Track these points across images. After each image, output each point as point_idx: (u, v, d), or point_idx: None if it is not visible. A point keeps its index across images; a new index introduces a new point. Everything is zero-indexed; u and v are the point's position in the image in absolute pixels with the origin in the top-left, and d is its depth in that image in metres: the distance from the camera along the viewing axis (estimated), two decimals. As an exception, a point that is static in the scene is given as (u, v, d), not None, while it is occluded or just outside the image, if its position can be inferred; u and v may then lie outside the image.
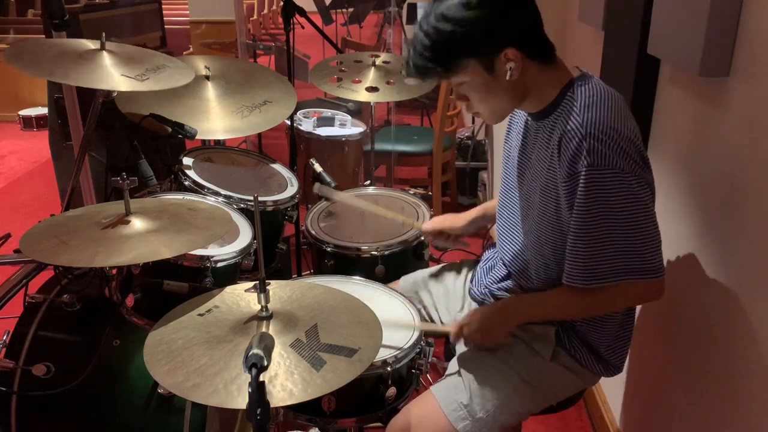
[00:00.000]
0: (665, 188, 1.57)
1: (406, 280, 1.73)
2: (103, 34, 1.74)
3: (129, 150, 1.93)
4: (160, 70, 1.74)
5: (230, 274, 1.62)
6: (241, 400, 0.95)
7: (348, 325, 1.17)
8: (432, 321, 1.66)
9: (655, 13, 1.52)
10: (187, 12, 7.30)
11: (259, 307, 1.14)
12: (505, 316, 1.37)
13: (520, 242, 1.41)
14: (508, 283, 1.46)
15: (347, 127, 2.95)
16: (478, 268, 1.60)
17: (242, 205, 1.80)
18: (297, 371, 1.02)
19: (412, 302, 1.57)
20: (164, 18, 4.85)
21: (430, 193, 3.51)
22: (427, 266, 1.90)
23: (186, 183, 1.81)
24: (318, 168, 2.19)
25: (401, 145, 3.52)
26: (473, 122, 4.35)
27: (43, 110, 5.35)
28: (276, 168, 2.13)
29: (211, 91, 2.11)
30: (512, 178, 1.42)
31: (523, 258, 1.40)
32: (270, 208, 1.89)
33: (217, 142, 2.20)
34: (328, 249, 1.86)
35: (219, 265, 1.56)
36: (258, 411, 0.87)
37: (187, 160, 1.92)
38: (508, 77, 1.20)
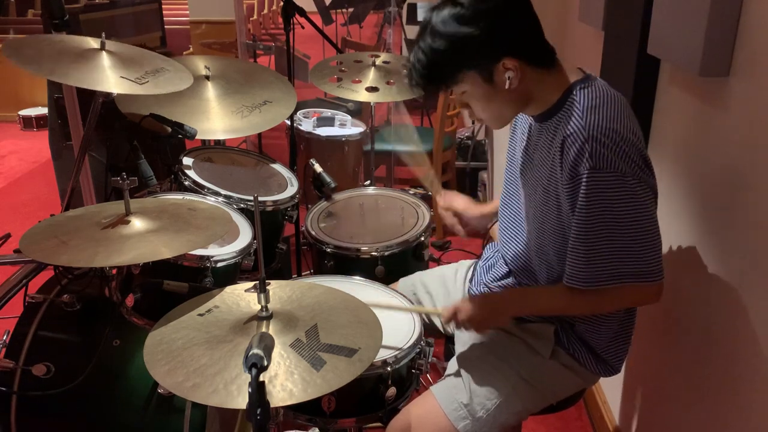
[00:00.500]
0: (665, 188, 1.57)
1: (405, 283, 1.73)
2: (103, 34, 1.74)
3: (129, 150, 1.93)
4: (159, 73, 1.74)
5: (230, 274, 1.62)
6: (241, 400, 0.95)
7: (348, 325, 1.17)
8: (431, 323, 1.66)
9: (655, 13, 1.52)
10: (187, 12, 7.30)
11: (259, 307, 1.14)
12: (502, 306, 1.37)
13: (523, 242, 1.41)
14: (509, 281, 1.46)
15: (347, 127, 2.95)
16: (477, 266, 1.60)
17: (242, 205, 1.80)
18: (297, 371, 1.02)
19: (410, 300, 1.57)
20: (164, 18, 4.85)
21: (430, 193, 3.50)
22: (426, 267, 1.90)
23: (186, 183, 1.81)
24: (318, 168, 2.19)
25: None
26: (473, 122, 4.35)
27: (43, 110, 5.35)
28: (276, 168, 2.13)
29: (211, 91, 2.11)
30: (515, 179, 1.42)
31: (527, 258, 1.40)
32: (270, 208, 1.89)
33: (217, 142, 2.20)
34: (328, 249, 1.86)
35: (219, 265, 1.56)
36: (258, 411, 0.87)
37: (187, 160, 1.92)
38: (507, 86, 1.19)
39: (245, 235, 1.70)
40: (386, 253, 1.84)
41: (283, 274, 2.19)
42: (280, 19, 2.94)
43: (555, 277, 1.34)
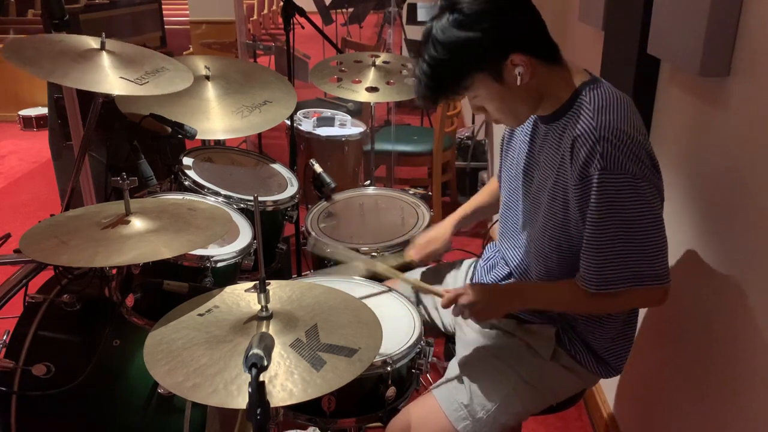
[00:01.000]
0: (665, 188, 1.57)
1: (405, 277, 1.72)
2: (103, 35, 1.74)
3: (129, 150, 1.93)
4: (159, 73, 1.74)
5: (230, 274, 1.62)
6: (241, 400, 0.95)
7: (348, 325, 1.17)
8: (432, 321, 1.66)
9: (655, 13, 1.52)
10: (187, 12, 7.30)
11: (259, 307, 1.14)
12: (508, 298, 1.36)
13: (523, 244, 1.41)
14: (510, 282, 1.46)
15: (347, 127, 2.95)
16: (479, 267, 1.60)
17: (242, 205, 1.80)
18: (297, 371, 1.02)
19: (411, 302, 1.57)
20: (164, 18, 4.86)
21: (430, 193, 3.50)
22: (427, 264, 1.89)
23: (186, 183, 1.81)
24: (318, 168, 2.19)
25: (401, 145, 3.52)
26: (473, 122, 4.35)
27: (43, 110, 5.35)
28: (276, 168, 2.13)
29: (211, 91, 2.11)
30: (517, 181, 1.41)
31: (528, 261, 1.40)
32: (270, 208, 1.89)
33: (217, 142, 2.20)
34: (328, 249, 1.86)
35: (219, 265, 1.56)
36: (258, 411, 0.87)
37: (187, 160, 1.92)
38: (519, 82, 1.18)
39: (245, 235, 1.70)
40: (386, 253, 1.84)
41: (283, 274, 2.19)
42: (280, 19, 2.94)
43: (555, 278, 1.34)
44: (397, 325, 1.47)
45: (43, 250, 1.23)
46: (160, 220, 1.36)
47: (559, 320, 1.39)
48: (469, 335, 1.50)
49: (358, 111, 3.50)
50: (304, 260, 2.37)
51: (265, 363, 0.90)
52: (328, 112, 3.04)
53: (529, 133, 1.37)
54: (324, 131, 2.89)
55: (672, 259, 1.54)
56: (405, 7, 5.36)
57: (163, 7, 4.81)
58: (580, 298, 1.27)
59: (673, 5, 1.41)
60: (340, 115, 3.00)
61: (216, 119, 2.04)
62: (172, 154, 2.02)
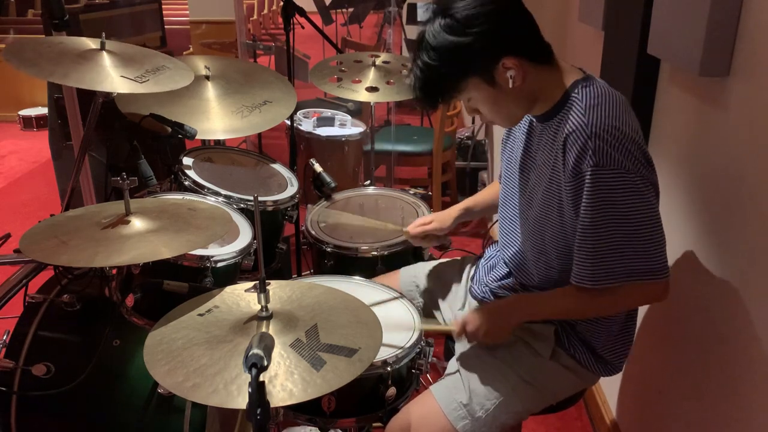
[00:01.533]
0: (665, 188, 1.57)
1: (406, 273, 1.73)
2: (103, 34, 1.74)
3: (129, 150, 1.93)
4: (159, 71, 1.74)
5: (230, 274, 1.62)
6: (241, 400, 0.95)
7: (348, 325, 1.17)
8: (433, 317, 1.66)
9: (655, 13, 1.52)
10: (187, 12, 7.30)
11: (259, 307, 1.14)
12: (509, 314, 1.37)
13: (521, 242, 1.41)
14: (509, 281, 1.46)
15: (347, 127, 2.95)
16: (479, 266, 1.60)
17: (242, 205, 1.80)
18: (297, 371, 1.02)
19: (412, 302, 1.57)
20: (164, 18, 4.85)
21: (430, 193, 3.51)
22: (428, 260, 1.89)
23: (186, 183, 1.81)
24: (318, 168, 2.19)
25: (401, 145, 3.52)
26: (473, 122, 4.35)
27: (43, 110, 5.35)
28: (276, 168, 2.13)
29: (211, 91, 2.11)
30: (514, 179, 1.42)
31: (524, 257, 1.40)
32: (270, 208, 1.89)
33: (217, 142, 2.20)
34: (328, 249, 1.86)
35: (219, 265, 1.56)
36: (258, 411, 0.87)
37: (187, 160, 1.92)
38: (511, 85, 1.19)
39: (245, 235, 1.70)
40: (386, 253, 1.84)
41: (283, 274, 2.19)
42: (280, 19, 2.94)
43: (553, 276, 1.34)
44: (397, 325, 1.47)
45: (43, 250, 1.23)
46: (160, 220, 1.36)
47: (559, 319, 1.39)
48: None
49: (358, 111, 3.50)
50: (304, 260, 2.37)
51: (265, 363, 0.90)
52: (328, 112, 3.04)
53: (525, 132, 1.38)
54: (324, 131, 2.89)
55: (672, 259, 1.54)
56: (405, 7, 5.36)
57: (163, 7, 4.80)
58: (580, 298, 1.27)
59: (673, 5, 1.41)
60: (340, 115, 3.00)
61: (216, 119, 2.04)
62: (172, 154, 2.02)
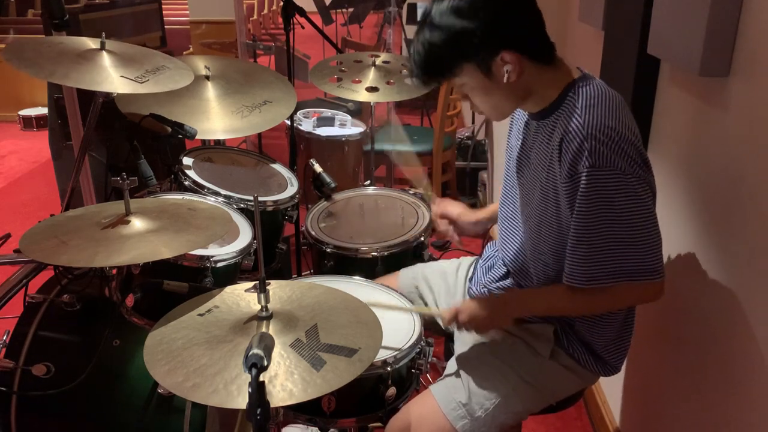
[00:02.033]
0: (665, 188, 1.57)
1: (405, 274, 1.73)
2: (103, 34, 1.74)
3: (129, 150, 1.93)
4: (159, 71, 1.74)
5: (230, 274, 1.62)
6: (241, 400, 0.95)
7: (348, 325, 1.17)
8: (432, 322, 1.66)
9: (655, 13, 1.52)
10: (187, 12, 7.30)
11: (259, 307, 1.14)
12: (504, 308, 1.36)
13: (519, 241, 1.41)
14: (507, 282, 1.46)
15: (347, 127, 2.95)
16: (477, 267, 1.60)
17: (242, 205, 1.80)
18: (297, 371, 1.02)
19: (409, 299, 1.57)
20: (164, 18, 4.85)
21: (425, 193, 3.50)
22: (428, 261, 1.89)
23: (186, 183, 1.81)
24: (318, 168, 2.19)
25: (401, 145, 3.52)
26: (473, 122, 4.35)
27: (43, 110, 5.35)
28: (276, 168, 2.13)
29: (211, 91, 2.11)
30: (512, 178, 1.42)
31: (523, 257, 1.40)
32: (270, 208, 1.89)
33: (217, 142, 2.20)
34: (328, 249, 1.86)
35: (219, 265, 1.56)
36: (258, 411, 0.87)
37: (187, 160, 1.92)
38: (505, 80, 1.19)
39: (245, 235, 1.70)
40: (386, 253, 1.84)
41: (283, 274, 2.19)
42: (280, 19, 2.94)
43: (551, 276, 1.34)
44: (397, 325, 1.47)
45: (43, 250, 1.23)
46: (160, 220, 1.36)
47: (558, 319, 1.39)
48: (467, 334, 1.50)
49: (358, 111, 3.50)
50: (304, 260, 2.37)
51: (265, 363, 0.90)
52: (328, 112, 3.04)
53: (522, 129, 1.38)
54: (324, 131, 2.89)
55: (671, 259, 1.54)
56: (405, 7, 5.36)
57: (163, 7, 4.80)
58: (572, 297, 1.27)
59: (673, 5, 1.41)
60: (340, 115, 3.00)
61: (216, 119, 2.04)
62: (172, 154, 2.02)
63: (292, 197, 1.96)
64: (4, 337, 1.54)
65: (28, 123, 5.49)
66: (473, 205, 1.75)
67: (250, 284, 1.27)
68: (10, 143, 5.20)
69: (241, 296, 1.25)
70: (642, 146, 1.19)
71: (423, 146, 3.52)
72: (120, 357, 1.54)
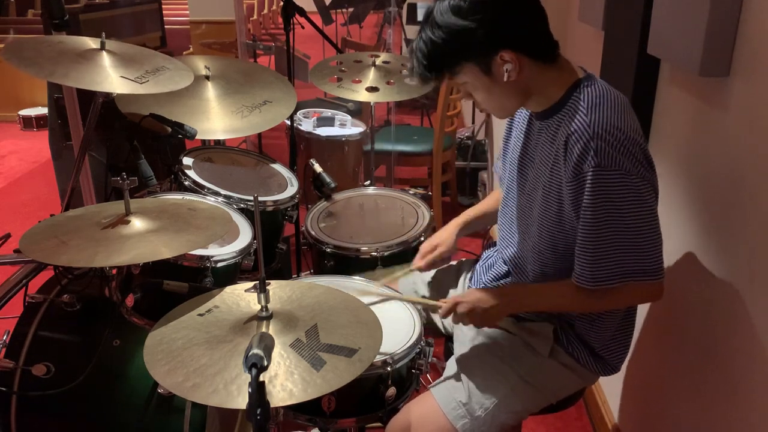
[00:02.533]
0: (665, 188, 1.57)
1: (405, 281, 1.73)
2: (103, 35, 1.74)
3: (129, 150, 1.93)
4: (159, 72, 1.74)
5: (230, 274, 1.62)
6: (241, 400, 0.95)
7: (348, 325, 1.17)
8: (431, 323, 1.66)
9: (655, 13, 1.52)
10: (187, 12, 7.30)
11: (259, 307, 1.14)
12: (504, 301, 1.35)
13: (520, 240, 1.41)
14: (507, 281, 1.46)
15: (347, 127, 2.95)
16: (477, 266, 1.60)
17: (242, 205, 1.80)
18: (297, 371, 1.02)
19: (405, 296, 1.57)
20: (164, 18, 4.85)
21: (430, 193, 3.50)
22: (427, 266, 1.89)
23: (186, 183, 1.81)
24: (318, 168, 2.19)
25: (401, 145, 3.52)
26: (473, 122, 4.35)
27: (43, 110, 5.35)
28: (276, 168, 2.13)
29: (211, 91, 2.11)
30: (513, 177, 1.42)
31: (524, 257, 1.40)
32: (270, 208, 1.89)
33: (217, 142, 2.20)
34: (328, 249, 1.86)
35: (219, 265, 1.56)
36: (258, 411, 0.87)
37: (187, 160, 1.92)
38: (505, 78, 1.20)
39: (245, 235, 1.70)
40: (386, 253, 1.84)
41: (283, 274, 2.19)
42: (280, 19, 2.94)
43: (550, 275, 1.34)
44: (397, 325, 1.47)
45: (43, 250, 1.23)
46: (160, 220, 1.36)
47: (557, 318, 1.39)
48: (467, 333, 1.50)
49: (358, 111, 3.50)
50: (304, 260, 2.37)
51: (265, 363, 0.90)
52: (328, 112, 3.04)
53: (524, 129, 1.38)
54: (324, 131, 2.89)
55: (671, 259, 1.54)
56: (405, 7, 5.36)
57: (163, 7, 4.80)
58: (577, 296, 1.27)
59: (673, 5, 1.41)
60: (340, 115, 3.00)
61: (216, 119, 2.04)
62: (172, 154, 2.02)
63: (292, 197, 1.96)
64: (4, 337, 1.54)
65: (28, 123, 5.49)
66: (473, 205, 1.74)
67: (250, 284, 1.27)
68: (10, 143, 5.19)
69: (241, 296, 1.25)
70: (647, 147, 1.19)
71: (423, 146, 3.52)
72: (120, 357, 1.54)
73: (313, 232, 1.93)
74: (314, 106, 3.38)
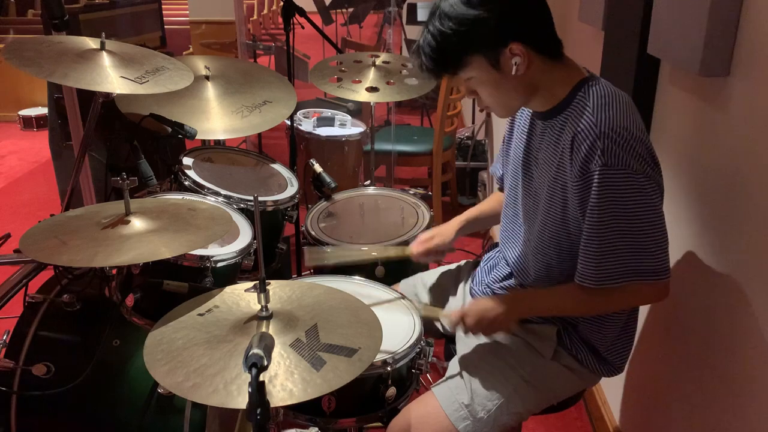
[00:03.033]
0: (665, 188, 1.57)
1: (406, 284, 1.73)
2: (103, 34, 1.74)
3: (129, 150, 1.93)
4: (159, 72, 1.74)
5: (230, 274, 1.62)
6: (241, 400, 0.95)
7: (348, 325, 1.17)
8: (434, 326, 1.66)
9: (655, 13, 1.52)
10: (187, 12, 7.30)
11: (259, 307, 1.14)
12: (509, 308, 1.36)
13: (523, 241, 1.41)
14: (510, 282, 1.46)
15: (347, 127, 2.95)
16: (479, 267, 1.60)
17: (242, 205, 1.80)
18: (297, 371, 1.02)
19: (411, 301, 1.57)
20: (164, 18, 4.86)
21: (430, 193, 3.50)
22: (427, 267, 1.90)
23: (186, 183, 1.81)
24: (318, 168, 2.19)
25: (401, 145, 3.52)
26: (473, 122, 4.35)
27: (43, 110, 5.35)
28: (276, 168, 2.13)
29: (211, 91, 2.11)
30: (516, 177, 1.42)
31: (527, 257, 1.40)
32: (270, 208, 1.89)
33: (217, 142, 2.20)
34: (328, 249, 1.86)
35: (219, 265, 1.56)
36: (258, 411, 0.87)
37: (187, 160, 1.92)
38: (514, 72, 1.19)
39: (245, 235, 1.70)
40: (388, 245, 1.83)
41: (283, 274, 2.19)
42: (280, 19, 2.94)
43: (554, 276, 1.34)
44: (397, 325, 1.47)
45: (43, 250, 1.23)
46: (160, 220, 1.36)
47: (560, 319, 1.39)
48: (470, 335, 1.50)
49: (358, 111, 3.50)
50: (303, 260, 2.37)
51: (265, 363, 0.90)
52: (328, 112, 3.04)
53: (526, 129, 1.38)
54: (324, 131, 2.89)
55: (672, 259, 1.54)
56: (405, 7, 5.36)
57: (163, 7, 4.81)
58: (582, 298, 1.27)
59: (673, 5, 1.41)
60: (340, 115, 3.00)
61: (216, 119, 2.04)
62: (172, 154, 2.02)
63: (292, 197, 1.96)
64: (4, 337, 1.54)
65: (28, 123, 5.49)
66: (473, 206, 1.74)
67: (250, 284, 1.27)
68: (10, 143, 5.19)
69: (241, 296, 1.25)
70: (652, 146, 1.19)
71: (423, 146, 3.52)
72: (120, 357, 1.54)
73: (313, 232, 1.93)
74: (314, 106, 3.38)
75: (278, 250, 1.99)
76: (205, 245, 1.32)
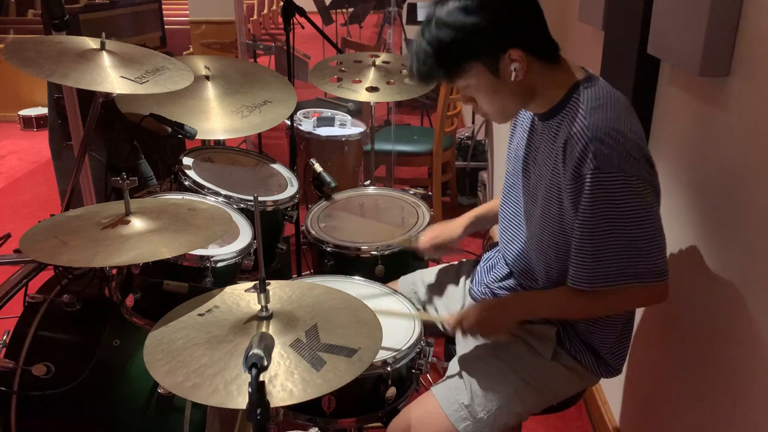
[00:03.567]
0: (665, 188, 1.56)
1: (405, 281, 1.73)
2: (103, 34, 1.74)
3: (129, 150, 1.93)
4: (159, 72, 1.74)
5: (230, 274, 1.62)
6: (241, 400, 0.95)
7: (348, 325, 1.17)
8: (432, 324, 1.66)
9: (655, 13, 1.52)
10: (187, 12, 7.30)
11: (259, 307, 1.14)
12: (507, 311, 1.37)
13: (523, 241, 1.41)
14: (510, 282, 1.46)
15: (347, 127, 2.95)
16: (478, 267, 1.60)
17: (242, 205, 1.80)
18: (297, 371, 1.02)
19: (411, 301, 1.57)
20: (164, 18, 4.86)
21: (430, 193, 3.51)
22: (426, 266, 1.90)
23: (186, 183, 1.81)
24: (318, 168, 2.19)
25: (401, 145, 3.52)
26: (473, 122, 4.35)
27: (43, 110, 5.35)
28: (276, 168, 2.13)
29: (211, 91, 2.11)
30: (516, 177, 1.42)
31: (526, 257, 1.40)
32: (270, 208, 1.89)
33: (217, 142, 2.20)
34: (328, 249, 1.86)
35: (219, 265, 1.56)
36: (258, 411, 0.87)
37: (187, 160, 1.92)
38: (513, 78, 1.19)
39: (245, 235, 1.70)
40: (386, 253, 1.84)
41: (283, 274, 2.19)
42: (280, 19, 2.94)
43: (554, 277, 1.34)
44: (397, 325, 1.47)
45: (43, 250, 1.23)
46: (160, 220, 1.36)
47: (560, 320, 1.39)
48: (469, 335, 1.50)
49: (358, 111, 3.50)
50: (304, 260, 2.37)
51: (265, 363, 0.90)
52: (328, 112, 3.04)
53: (527, 129, 1.38)
54: (324, 131, 2.89)
55: (672, 259, 1.54)
56: (405, 7, 5.36)
57: (163, 7, 4.81)
58: (579, 301, 1.27)
59: (673, 5, 1.41)
60: (340, 115, 3.00)
61: (216, 119, 2.04)
62: (172, 154, 2.02)
63: (292, 197, 1.96)
64: (4, 337, 1.54)
65: (28, 123, 5.49)
66: (473, 206, 1.74)
67: (250, 284, 1.27)
68: (10, 143, 5.20)
69: (241, 296, 1.25)
70: (647, 147, 1.19)
71: (423, 146, 3.52)
72: (120, 357, 1.54)
73: (313, 232, 1.93)
74: (314, 106, 3.38)
75: (278, 250, 1.99)
76: (205, 245, 1.32)
